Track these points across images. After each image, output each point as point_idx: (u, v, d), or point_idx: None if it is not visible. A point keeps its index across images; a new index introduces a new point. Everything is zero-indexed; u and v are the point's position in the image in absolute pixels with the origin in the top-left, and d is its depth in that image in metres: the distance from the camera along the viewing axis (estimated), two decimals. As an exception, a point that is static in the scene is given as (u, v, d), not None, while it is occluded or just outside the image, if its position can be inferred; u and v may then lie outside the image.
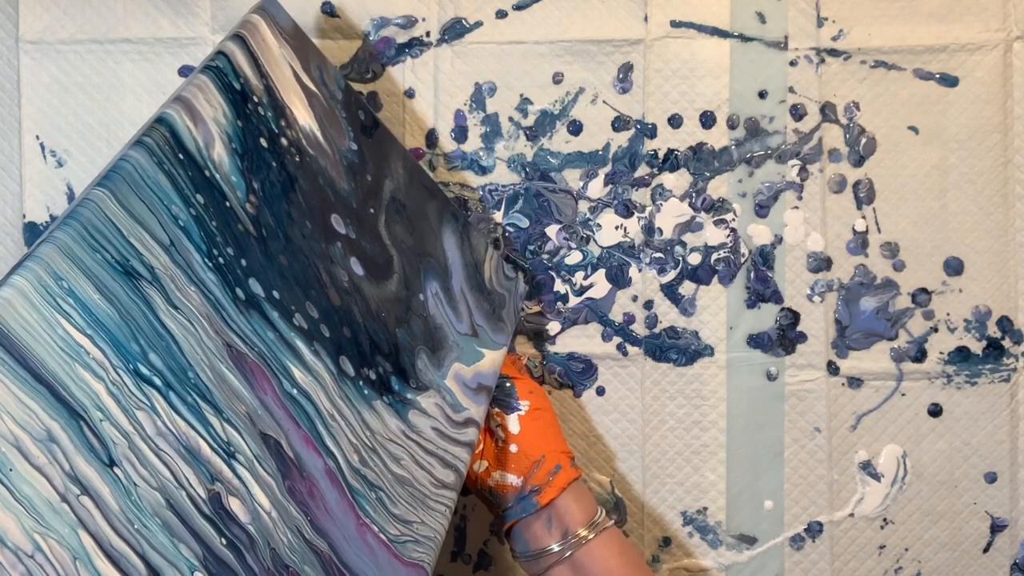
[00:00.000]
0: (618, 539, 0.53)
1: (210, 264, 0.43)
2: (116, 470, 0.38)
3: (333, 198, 0.50)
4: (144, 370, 0.40)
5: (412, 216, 0.55)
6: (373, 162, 0.53)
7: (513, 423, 0.54)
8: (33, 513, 0.36)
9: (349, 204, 0.51)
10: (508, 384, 0.56)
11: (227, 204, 0.45)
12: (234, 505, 0.41)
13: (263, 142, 0.48)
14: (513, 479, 0.53)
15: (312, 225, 0.48)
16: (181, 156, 0.43)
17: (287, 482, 0.43)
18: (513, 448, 0.53)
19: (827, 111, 0.62)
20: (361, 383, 0.48)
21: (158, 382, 0.40)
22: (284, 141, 0.49)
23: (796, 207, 0.62)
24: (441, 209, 0.57)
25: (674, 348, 0.63)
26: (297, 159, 0.49)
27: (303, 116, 0.50)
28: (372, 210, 0.52)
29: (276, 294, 0.45)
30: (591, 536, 0.51)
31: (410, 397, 0.50)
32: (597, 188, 0.63)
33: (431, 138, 0.63)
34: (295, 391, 0.45)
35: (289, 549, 0.43)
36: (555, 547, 0.51)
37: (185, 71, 0.62)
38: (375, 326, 0.50)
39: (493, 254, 0.59)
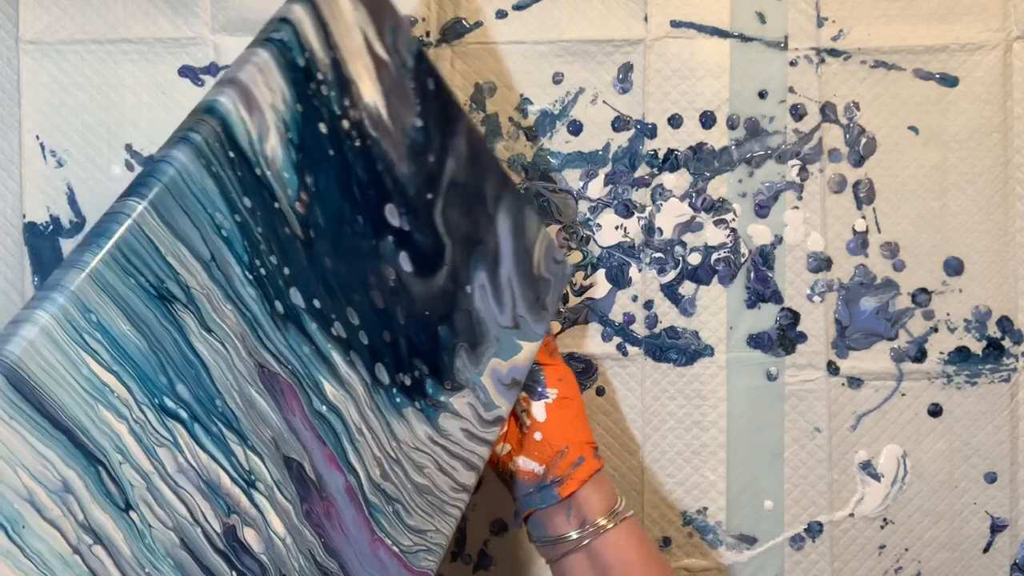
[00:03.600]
0: (637, 530, 0.52)
1: (250, 277, 0.41)
2: (132, 514, 0.37)
3: (391, 186, 0.46)
4: (170, 403, 0.38)
5: (469, 199, 0.51)
6: (437, 139, 0.49)
7: (539, 410, 0.53)
8: (43, 569, 0.35)
9: (406, 191, 0.47)
10: (537, 369, 0.54)
11: (276, 205, 0.42)
12: (249, 536, 0.40)
13: (322, 127, 0.43)
14: (535, 466, 0.52)
15: (364, 220, 0.45)
16: (232, 154, 0.40)
17: (305, 505, 0.43)
18: (537, 436, 0.53)
19: (827, 111, 0.62)
20: (395, 390, 0.46)
21: (184, 415, 0.39)
22: (345, 124, 0.44)
23: (796, 207, 0.62)
24: (499, 188, 0.52)
25: (674, 348, 0.63)
26: (357, 143, 0.45)
27: (369, 91, 0.45)
28: (430, 196, 0.48)
29: (317, 303, 0.43)
30: (610, 526, 0.51)
31: (443, 400, 0.49)
32: (597, 188, 0.63)
33: (431, 138, 0.63)
34: (324, 408, 0.44)
35: (300, 574, 0.42)
36: (573, 535, 0.51)
37: (185, 71, 0.62)
38: (417, 326, 0.48)
39: (546, 235, 0.55)
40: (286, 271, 0.42)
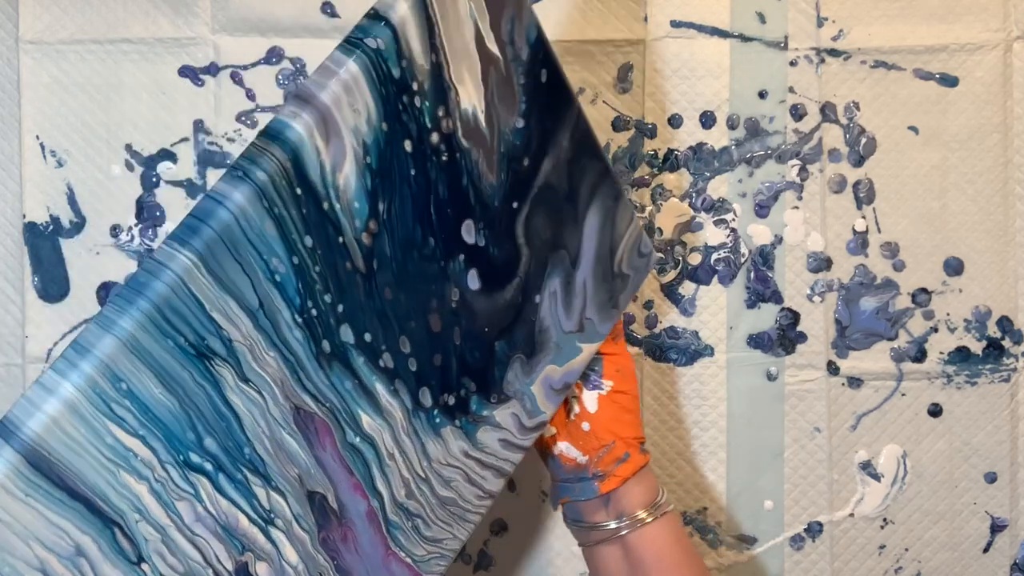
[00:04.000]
0: (676, 526, 0.50)
1: (299, 320, 0.37)
2: (143, 566, 0.36)
3: (473, 201, 0.42)
4: (195, 458, 0.36)
5: (559, 201, 0.46)
6: (537, 139, 0.44)
7: (591, 401, 0.51)
8: None
9: (490, 203, 0.43)
10: (597, 357, 0.51)
11: (340, 240, 0.37)
12: (260, 570, 0.39)
13: (407, 145, 0.38)
14: (578, 455, 0.50)
15: (435, 242, 0.41)
16: (299, 191, 0.35)
17: (322, 533, 0.41)
18: (585, 426, 0.50)
19: (827, 111, 0.62)
20: (436, 412, 0.43)
21: (209, 467, 0.37)
22: (435, 138, 0.39)
23: (796, 207, 0.62)
24: (596, 184, 0.47)
25: (674, 348, 0.63)
26: (444, 158, 0.40)
27: (469, 96, 0.40)
28: (515, 204, 0.44)
29: (368, 336, 0.40)
30: (649, 520, 0.49)
31: (486, 414, 0.46)
32: (597, 188, 0.63)
33: (431, 138, 0.63)
34: (358, 439, 0.41)
35: None
36: (612, 524, 0.49)
37: (185, 71, 0.62)
38: (473, 345, 0.44)
39: (636, 228, 0.51)
40: (340, 308, 0.38)
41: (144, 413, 0.35)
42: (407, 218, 0.39)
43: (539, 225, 0.45)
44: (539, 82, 0.43)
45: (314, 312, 0.38)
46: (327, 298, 0.38)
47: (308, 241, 0.36)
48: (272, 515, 0.39)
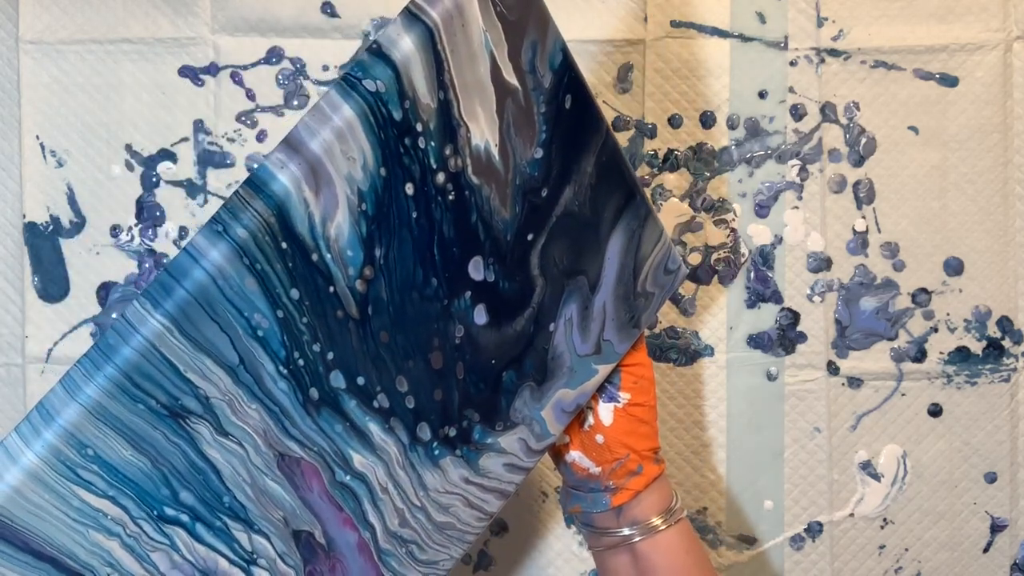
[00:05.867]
0: (688, 533, 0.49)
1: (284, 372, 0.36)
2: None
3: (483, 237, 0.40)
4: (170, 512, 0.36)
5: (580, 228, 0.44)
6: (557, 168, 0.42)
7: (606, 413, 0.49)
8: None
9: (501, 238, 0.41)
10: (616, 370, 0.50)
11: (330, 290, 0.36)
12: None
13: (408, 189, 0.36)
14: (591, 466, 0.49)
15: (438, 282, 0.39)
16: (284, 244, 0.34)
17: (308, 567, 0.40)
18: (599, 438, 0.49)
19: (827, 111, 0.62)
20: (435, 444, 0.42)
21: (185, 519, 0.36)
22: (440, 178, 0.37)
23: (796, 207, 0.62)
24: (621, 206, 0.45)
25: (674, 348, 0.63)
26: (451, 197, 0.38)
27: (481, 131, 0.38)
28: (530, 236, 0.42)
29: (361, 380, 0.38)
30: (663, 527, 0.48)
31: (490, 442, 0.44)
32: (597, 188, 0.63)
33: (431, 138, 0.63)
34: (348, 477, 0.40)
35: None
36: (625, 531, 0.48)
37: (185, 71, 0.62)
38: (477, 377, 0.42)
39: (663, 246, 0.49)
40: (330, 356, 0.37)
41: (113, 475, 0.34)
42: (407, 261, 0.38)
43: (556, 254, 0.43)
44: (562, 109, 0.41)
45: (301, 362, 0.36)
46: (315, 347, 0.36)
47: (295, 294, 0.35)
48: (255, 555, 0.38)
